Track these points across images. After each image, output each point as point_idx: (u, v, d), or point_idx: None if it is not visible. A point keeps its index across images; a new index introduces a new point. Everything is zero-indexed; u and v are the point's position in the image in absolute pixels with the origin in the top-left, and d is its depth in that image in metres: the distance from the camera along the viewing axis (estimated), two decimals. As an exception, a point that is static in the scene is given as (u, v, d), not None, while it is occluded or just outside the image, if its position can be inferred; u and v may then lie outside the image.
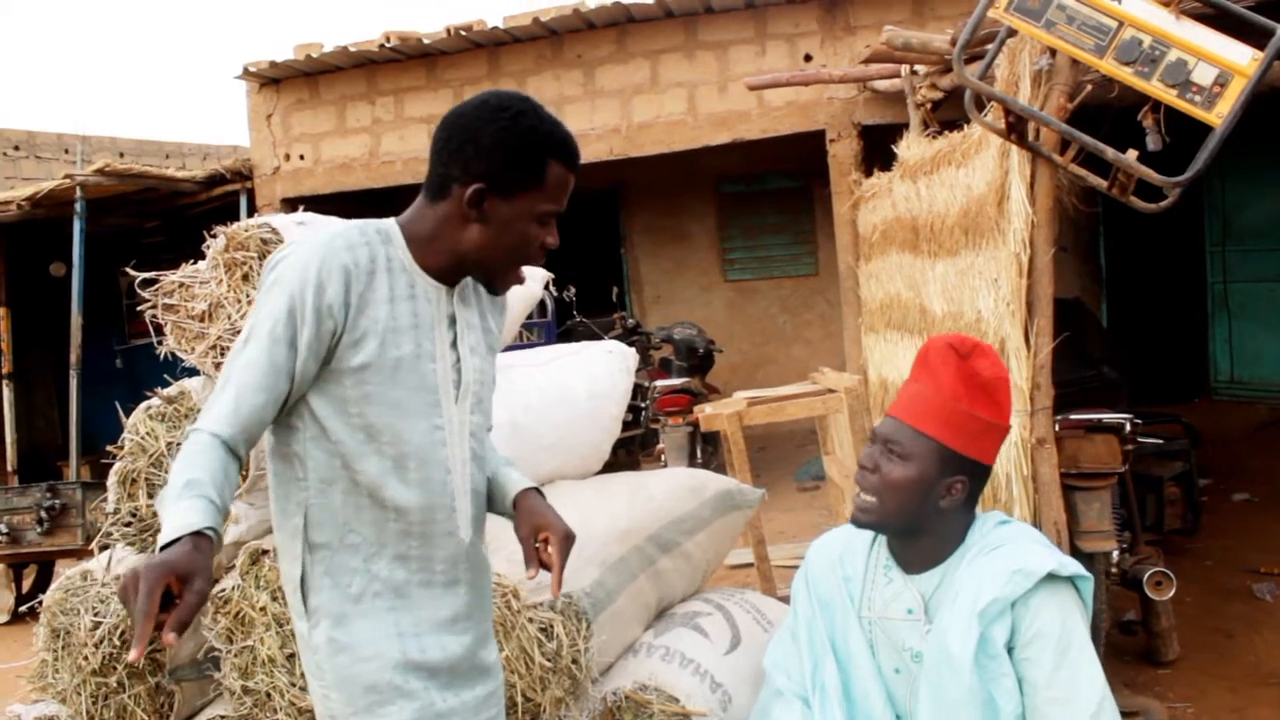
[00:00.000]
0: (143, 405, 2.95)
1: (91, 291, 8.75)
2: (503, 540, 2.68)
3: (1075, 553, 3.43)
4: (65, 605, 2.94)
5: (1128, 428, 3.77)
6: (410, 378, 1.85)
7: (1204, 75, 2.56)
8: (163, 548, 1.53)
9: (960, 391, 2.11)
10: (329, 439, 1.82)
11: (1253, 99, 2.54)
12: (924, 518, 2.13)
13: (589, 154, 8.13)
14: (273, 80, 8.94)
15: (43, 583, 6.71)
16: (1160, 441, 4.96)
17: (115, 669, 2.87)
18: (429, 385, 1.87)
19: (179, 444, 2.85)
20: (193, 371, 2.98)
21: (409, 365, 1.85)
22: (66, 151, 12.20)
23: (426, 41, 8.20)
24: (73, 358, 8.31)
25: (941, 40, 4.77)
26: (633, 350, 3.77)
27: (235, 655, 2.79)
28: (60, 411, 11.08)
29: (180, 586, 1.49)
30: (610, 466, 3.70)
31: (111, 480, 2.93)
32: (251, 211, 8.99)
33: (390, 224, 1.90)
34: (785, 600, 2.95)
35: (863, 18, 7.65)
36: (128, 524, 2.91)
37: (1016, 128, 3.00)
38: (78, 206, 8.49)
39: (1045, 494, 3.09)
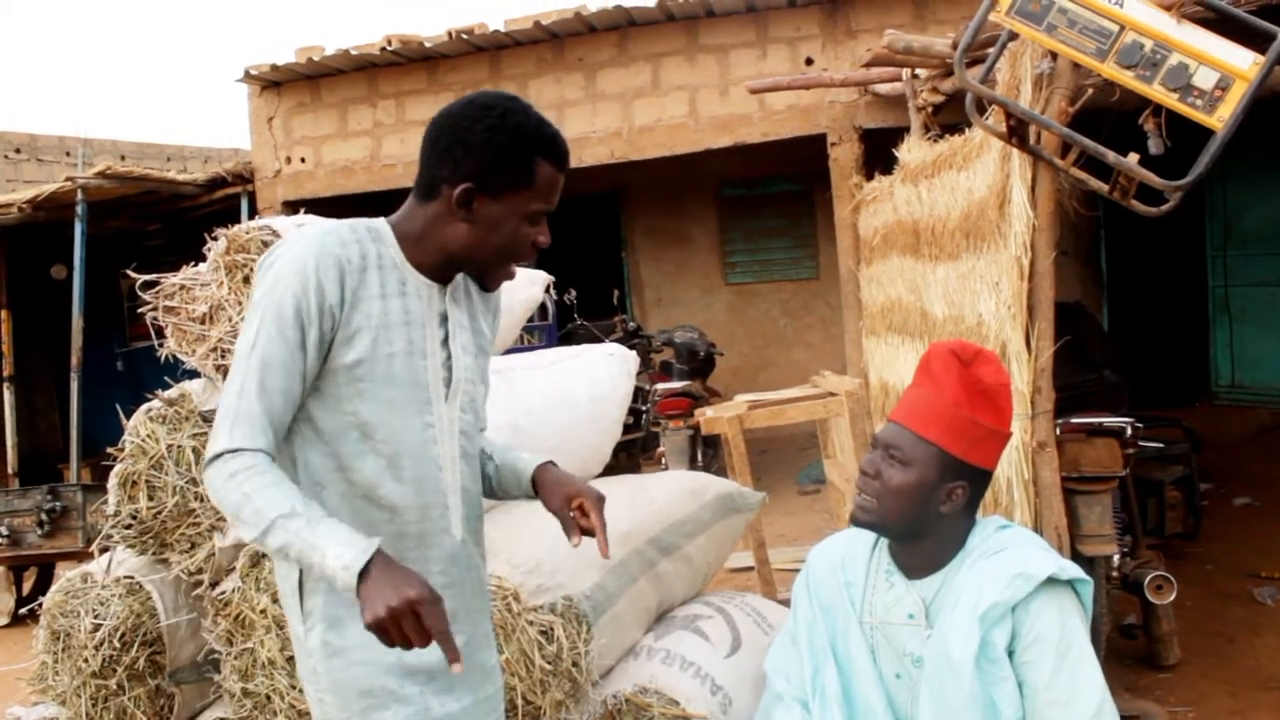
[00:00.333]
0: (143, 408, 2.95)
1: (92, 294, 8.75)
2: (503, 543, 2.69)
3: (1076, 556, 3.43)
4: (65, 607, 2.94)
5: (1129, 432, 3.77)
6: (403, 374, 1.85)
7: (1205, 79, 2.56)
8: (360, 571, 1.61)
9: (962, 398, 2.11)
10: (323, 440, 1.82)
11: (1254, 103, 2.54)
12: (925, 523, 2.13)
13: (590, 157, 8.16)
14: (274, 83, 8.95)
15: (43, 585, 6.70)
16: (1161, 445, 4.95)
17: (115, 671, 2.87)
18: (420, 382, 1.87)
19: (182, 446, 2.86)
20: (193, 374, 2.98)
21: (401, 362, 1.84)
22: (68, 154, 12.21)
23: (428, 45, 8.22)
24: (74, 360, 8.32)
25: (943, 44, 4.77)
26: (633, 353, 3.77)
27: (235, 658, 2.79)
28: (61, 414, 11.09)
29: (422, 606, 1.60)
30: (611, 469, 3.70)
31: (112, 483, 2.94)
32: (252, 214, 9.00)
33: (380, 222, 1.90)
34: (786, 603, 2.94)
35: (864, 21, 7.66)
36: (128, 526, 2.90)
37: (1018, 131, 3.00)
38: (79, 209, 8.49)
39: (1046, 498, 3.09)
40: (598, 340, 7.35)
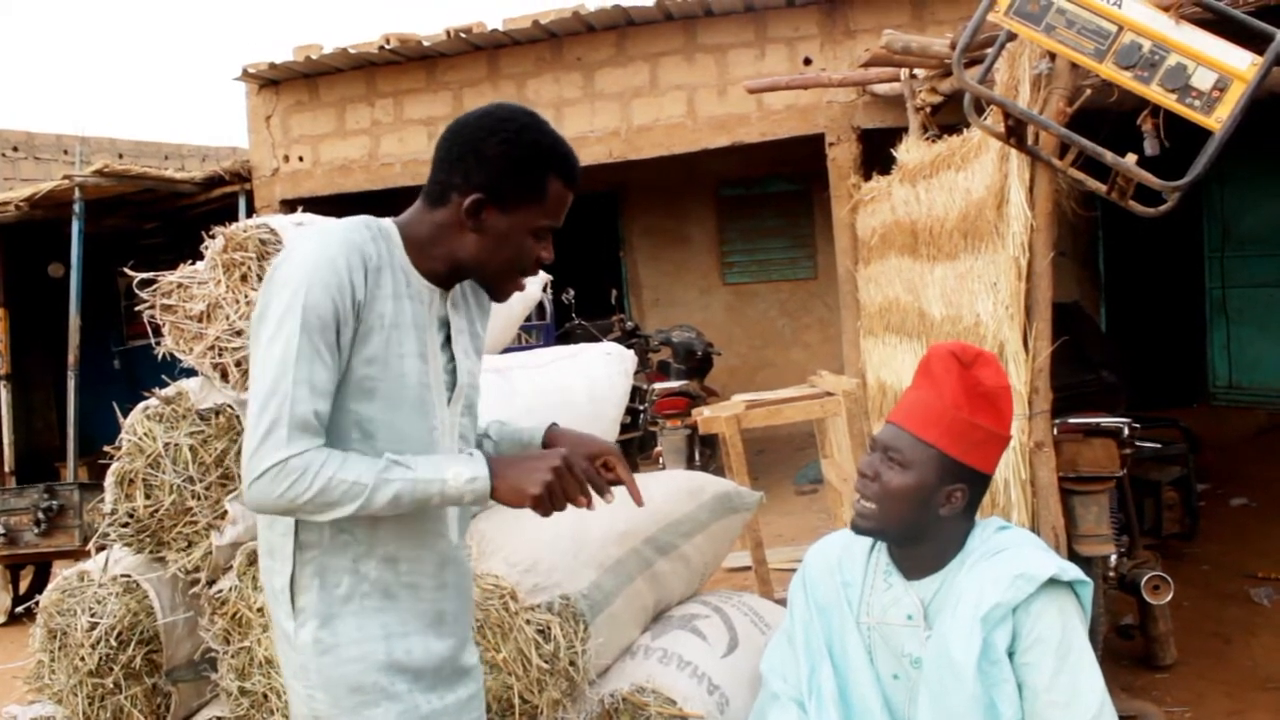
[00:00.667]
0: (140, 406, 2.95)
1: (90, 293, 8.74)
2: (500, 541, 2.69)
3: (1073, 557, 3.43)
4: (62, 606, 2.94)
5: (1126, 432, 3.78)
6: (411, 376, 1.85)
7: (1203, 80, 2.56)
8: (491, 478, 1.79)
9: (962, 400, 2.10)
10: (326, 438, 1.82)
11: (1252, 104, 2.54)
12: (924, 525, 2.12)
13: (588, 157, 8.15)
14: (272, 82, 8.94)
15: (40, 584, 6.70)
16: (1158, 446, 4.96)
17: (112, 670, 2.87)
18: (425, 384, 1.87)
19: (179, 444, 2.85)
20: (191, 372, 2.97)
21: (411, 363, 1.85)
22: (65, 153, 12.19)
23: (426, 44, 8.21)
24: (71, 359, 8.30)
25: (941, 44, 4.77)
26: (631, 353, 3.77)
27: (232, 656, 2.79)
28: (58, 413, 11.07)
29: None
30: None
31: (109, 481, 2.93)
32: (250, 213, 8.99)
33: (388, 223, 1.89)
34: (783, 603, 2.95)
35: (862, 21, 7.66)
36: (125, 525, 2.90)
37: (1016, 131, 3.00)
38: (76, 208, 8.48)
39: (1043, 498, 3.09)
40: (595, 340, 7.36)
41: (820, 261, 10.25)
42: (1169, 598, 3.93)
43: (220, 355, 2.84)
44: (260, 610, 2.73)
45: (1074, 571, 2.06)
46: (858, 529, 2.17)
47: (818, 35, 7.79)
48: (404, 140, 8.67)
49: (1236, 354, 8.83)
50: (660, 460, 6.84)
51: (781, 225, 10.53)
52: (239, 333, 2.79)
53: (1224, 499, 6.31)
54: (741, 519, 3.53)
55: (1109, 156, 2.75)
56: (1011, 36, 2.97)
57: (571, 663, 2.62)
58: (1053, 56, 2.94)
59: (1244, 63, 2.54)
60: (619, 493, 1.95)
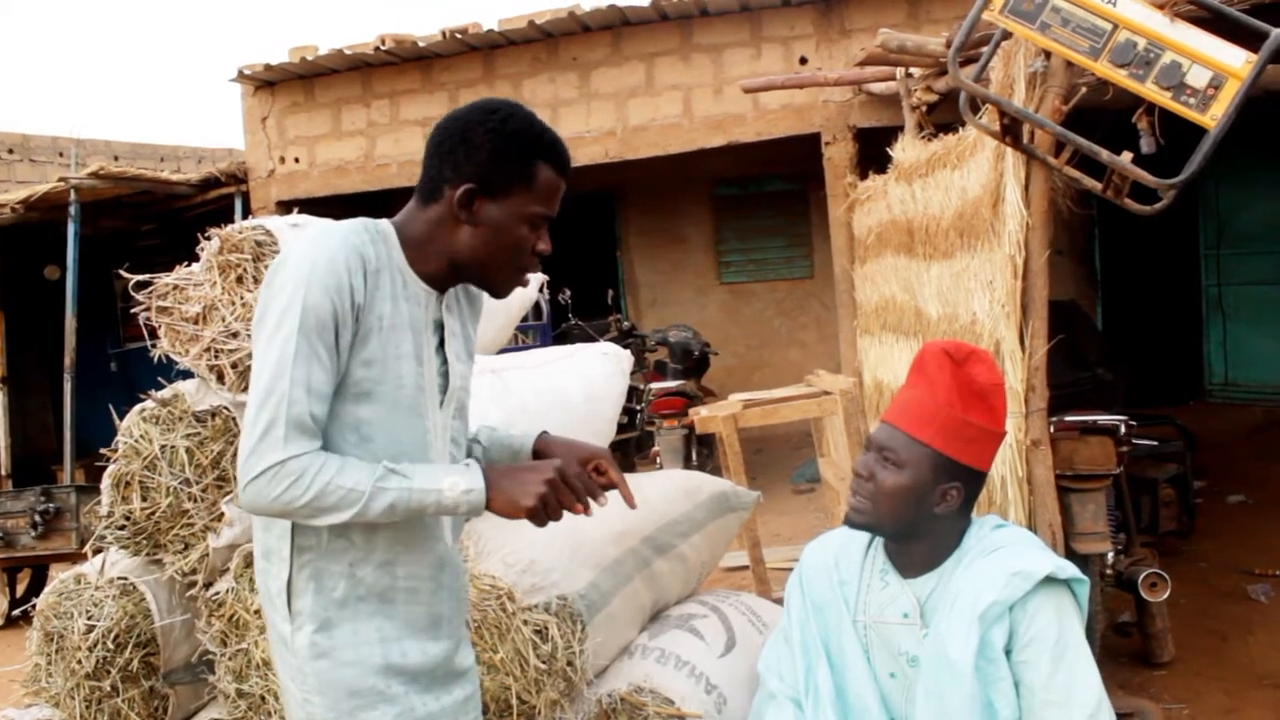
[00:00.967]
0: (136, 408, 2.94)
1: (86, 295, 8.73)
2: (497, 542, 2.69)
3: (1070, 554, 3.43)
4: (59, 609, 2.93)
5: (1123, 430, 3.77)
6: (407, 378, 1.85)
7: (1198, 78, 2.56)
8: (487, 489, 1.80)
9: (955, 398, 2.10)
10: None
11: (1247, 102, 2.54)
12: (919, 523, 2.12)
13: (584, 157, 8.15)
14: (268, 83, 8.94)
15: (37, 587, 6.69)
16: (1155, 443, 4.97)
17: (109, 672, 2.86)
18: (419, 386, 1.87)
19: (175, 447, 2.85)
20: (187, 374, 2.97)
21: (408, 365, 1.85)
22: (61, 155, 12.18)
23: (422, 44, 8.21)
24: (67, 361, 8.29)
25: (936, 43, 4.78)
26: (627, 353, 3.76)
27: (230, 658, 2.79)
28: (54, 415, 11.05)
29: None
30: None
31: (106, 484, 2.92)
32: (246, 214, 8.99)
33: (385, 224, 1.89)
34: (780, 602, 2.94)
35: (858, 20, 7.66)
36: (121, 527, 2.90)
37: (1011, 130, 3.00)
38: (72, 209, 8.46)
39: (1040, 496, 3.09)
40: (592, 340, 7.35)
41: (816, 261, 10.26)
42: (1166, 595, 3.93)
43: (216, 357, 2.84)
44: (257, 612, 2.72)
45: (1070, 569, 2.07)
46: (851, 522, 2.16)
47: (813, 34, 7.80)
48: (400, 141, 8.66)
49: (1232, 351, 8.84)
50: (657, 460, 6.84)
51: (778, 224, 10.53)
52: (235, 334, 2.79)
53: (1221, 496, 6.32)
54: (739, 518, 3.53)
55: (1104, 154, 2.75)
56: (1006, 35, 2.97)
57: (569, 663, 2.62)
58: (1048, 55, 2.94)
59: (1238, 60, 2.55)
60: (613, 494, 1.95)
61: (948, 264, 3.99)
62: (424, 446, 1.88)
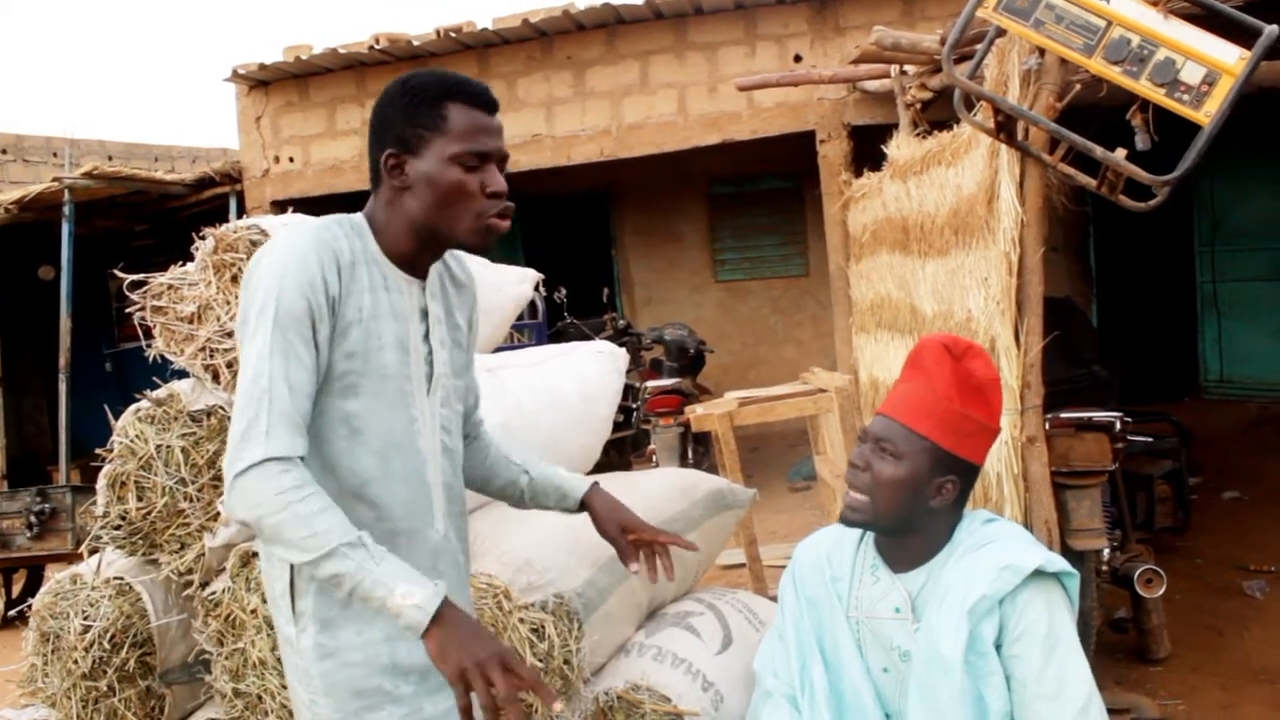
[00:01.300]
0: (132, 408, 2.94)
1: (81, 295, 8.72)
2: (493, 541, 2.69)
3: (1066, 551, 3.44)
4: (55, 609, 2.93)
5: (1118, 426, 3.78)
6: (392, 368, 1.85)
7: (1192, 74, 2.56)
8: (434, 613, 1.64)
9: (954, 392, 2.11)
10: (310, 440, 1.81)
11: (1240, 98, 2.54)
12: (914, 517, 2.12)
13: (579, 155, 8.16)
14: (262, 82, 8.93)
15: (32, 587, 6.69)
16: (1150, 440, 4.97)
17: (105, 673, 2.86)
18: (405, 376, 1.88)
19: (171, 446, 2.85)
20: (182, 374, 2.97)
21: (391, 355, 1.85)
22: (55, 155, 12.16)
23: (416, 43, 8.20)
24: (62, 361, 8.29)
25: (931, 40, 4.78)
26: (623, 351, 3.76)
27: (226, 658, 2.79)
28: (49, 416, 11.04)
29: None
30: (601, 467, 3.70)
31: (101, 484, 2.92)
32: (241, 214, 8.98)
33: (358, 218, 1.91)
34: (776, 600, 2.95)
35: (852, 18, 7.67)
36: (117, 527, 2.89)
37: (1006, 127, 3.01)
38: (66, 210, 8.45)
39: (1036, 492, 3.10)
40: (588, 338, 7.35)
41: (812, 258, 10.27)
42: (1162, 591, 3.93)
43: (211, 357, 2.84)
44: (254, 612, 2.72)
45: (1060, 563, 2.07)
46: (848, 521, 2.16)
47: (808, 32, 7.80)
48: (394, 140, 8.64)
49: (1227, 348, 8.86)
50: (653, 458, 6.83)
51: (773, 222, 10.54)
52: (230, 334, 2.78)
53: (1216, 492, 6.33)
54: (735, 516, 3.54)
55: (1099, 151, 2.75)
56: (1001, 32, 2.97)
57: (566, 661, 2.62)
58: (1042, 52, 2.94)
59: (1232, 57, 2.55)
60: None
61: (943, 261, 3.99)
62: (413, 436, 1.88)
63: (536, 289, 3.94)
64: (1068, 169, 2.96)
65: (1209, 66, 2.55)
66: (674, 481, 3.38)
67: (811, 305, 10.38)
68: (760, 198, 10.54)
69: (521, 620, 2.59)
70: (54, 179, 8.62)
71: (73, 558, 5.89)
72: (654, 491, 3.23)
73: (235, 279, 2.82)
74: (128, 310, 2.99)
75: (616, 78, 8.20)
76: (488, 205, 1.85)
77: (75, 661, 2.84)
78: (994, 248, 3.24)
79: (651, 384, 7.35)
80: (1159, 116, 2.79)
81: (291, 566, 1.85)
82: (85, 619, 2.87)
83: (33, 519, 6.33)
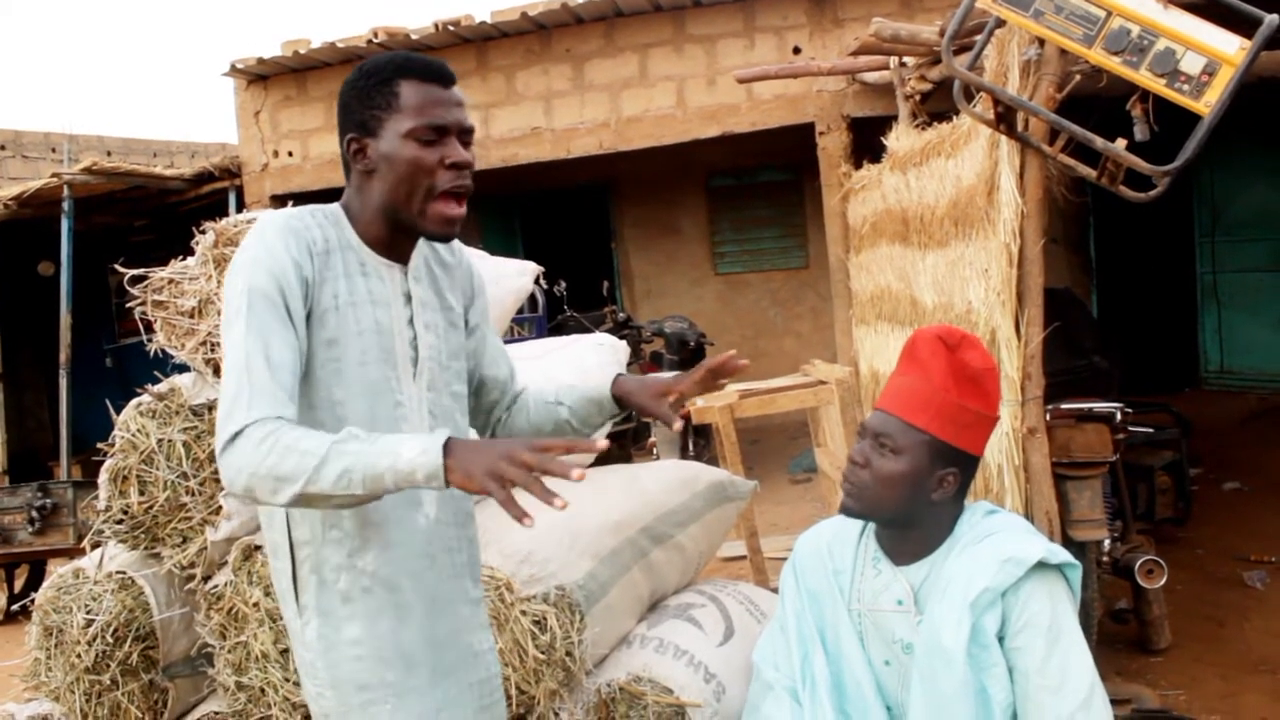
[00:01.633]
0: (133, 402, 2.94)
1: (81, 290, 8.72)
2: (495, 533, 2.69)
3: (1067, 541, 3.45)
4: (58, 603, 2.93)
5: (1118, 417, 3.78)
6: (373, 353, 1.85)
7: (1192, 64, 2.56)
8: (442, 448, 1.59)
9: (950, 383, 2.10)
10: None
11: (1241, 88, 2.54)
12: (915, 510, 2.12)
13: (578, 148, 8.16)
14: (260, 77, 8.92)
15: (35, 582, 6.70)
16: (1151, 431, 4.97)
17: (108, 666, 2.86)
18: (389, 361, 1.88)
19: (172, 441, 2.85)
20: (183, 368, 2.97)
21: (371, 339, 1.85)
22: (53, 150, 12.15)
23: (414, 37, 8.19)
24: (62, 357, 8.29)
25: (930, 31, 4.78)
26: (623, 343, 3.77)
27: (229, 651, 2.79)
28: (50, 411, 11.05)
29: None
30: (602, 459, 3.66)
31: (103, 478, 2.92)
32: (240, 208, 8.97)
33: (334, 207, 1.92)
34: (778, 592, 2.95)
35: (851, 10, 7.65)
36: (119, 521, 2.90)
37: (1005, 118, 3.01)
38: (65, 205, 8.45)
39: (1037, 483, 3.10)
40: (588, 331, 7.35)
41: (811, 250, 10.26)
42: (1162, 582, 3.94)
43: (212, 350, 2.84)
44: (256, 605, 2.73)
45: (1062, 554, 2.07)
46: (847, 510, 2.16)
47: (806, 24, 7.79)
48: (394, 134, 8.63)
49: (1228, 338, 8.85)
50: (654, 450, 6.83)
51: (772, 215, 10.53)
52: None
53: (1216, 483, 6.34)
54: (736, 508, 3.54)
55: (1099, 142, 2.75)
56: (1000, 23, 2.97)
57: (568, 653, 2.62)
58: (1041, 42, 2.94)
59: (1232, 47, 2.55)
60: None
61: (943, 253, 3.99)
62: (397, 421, 1.88)
63: (536, 282, 3.94)
64: (1068, 160, 2.96)
65: (1209, 56, 2.55)
66: (675, 474, 3.39)
67: (811, 297, 10.38)
68: (760, 190, 10.54)
69: (524, 612, 2.60)
70: (53, 175, 8.61)
71: (75, 552, 5.90)
72: (655, 484, 3.24)
73: (235, 273, 2.82)
74: (128, 305, 2.99)
75: (615, 70, 8.19)
76: (442, 179, 1.84)
77: (78, 655, 2.85)
78: (994, 239, 3.24)
79: (651, 377, 7.34)
80: (1159, 107, 2.79)
81: (292, 560, 1.85)
82: (88, 613, 2.87)
83: (34, 514, 6.34)
